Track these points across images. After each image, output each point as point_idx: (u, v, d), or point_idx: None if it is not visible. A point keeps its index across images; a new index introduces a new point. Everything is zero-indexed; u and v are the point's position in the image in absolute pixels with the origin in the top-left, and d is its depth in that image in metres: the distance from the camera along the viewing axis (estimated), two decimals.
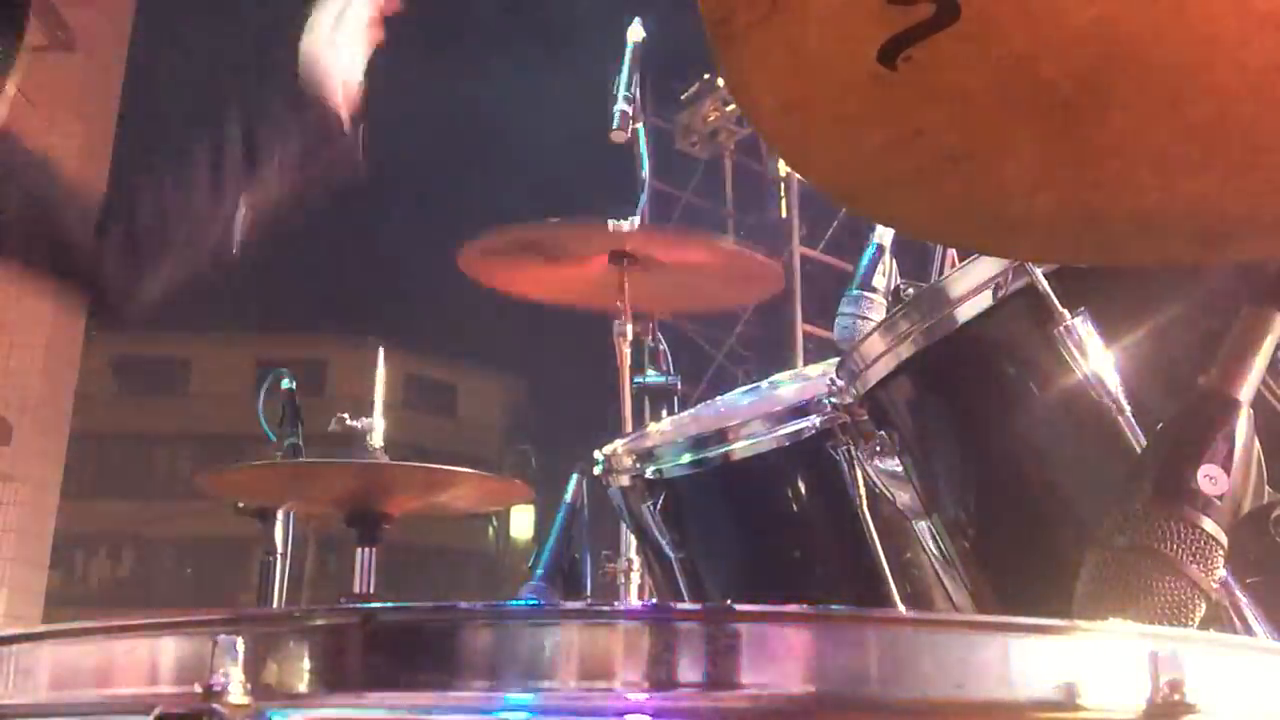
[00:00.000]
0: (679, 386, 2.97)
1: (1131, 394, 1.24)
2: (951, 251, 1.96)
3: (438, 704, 0.64)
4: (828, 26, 0.87)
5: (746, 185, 10.94)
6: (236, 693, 0.62)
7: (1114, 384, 1.24)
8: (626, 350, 2.89)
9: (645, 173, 3.15)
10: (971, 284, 1.36)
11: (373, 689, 0.65)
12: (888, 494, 1.66)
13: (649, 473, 2.04)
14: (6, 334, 6.76)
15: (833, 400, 1.77)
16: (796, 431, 1.89)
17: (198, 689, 0.62)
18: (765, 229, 10.46)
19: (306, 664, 0.64)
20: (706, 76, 9.78)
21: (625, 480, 2.12)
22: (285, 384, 2.98)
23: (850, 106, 0.93)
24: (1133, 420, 1.22)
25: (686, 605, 1.82)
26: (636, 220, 2.87)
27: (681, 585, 2.06)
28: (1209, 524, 0.96)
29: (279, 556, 2.89)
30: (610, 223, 2.84)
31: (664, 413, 2.88)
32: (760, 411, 2.02)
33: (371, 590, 2.86)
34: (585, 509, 2.89)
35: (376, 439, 2.94)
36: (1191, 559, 0.95)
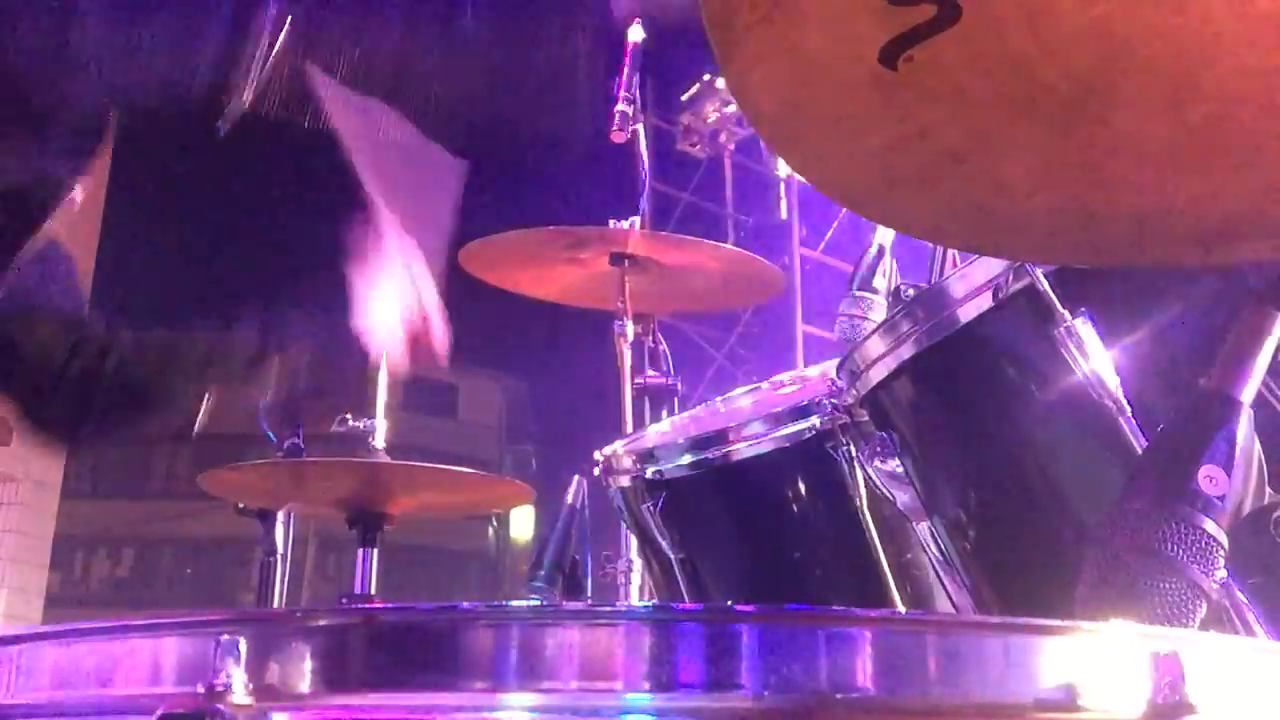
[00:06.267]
0: (679, 387, 2.97)
1: (1132, 394, 1.24)
2: (952, 252, 1.96)
3: (439, 704, 0.64)
4: (829, 27, 0.87)
5: (747, 186, 10.93)
6: (239, 693, 0.62)
7: (1114, 385, 1.24)
8: (627, 351, 2.89)
9: (645, 173, 3.15)
10: (972, 285, 1.36)
11: (375, 689, 0.65)
12: (888, 495, 1.66)
13: (649, 473, 2.04)
14: None
15: (833, 401, 1.78)
16: (797, 432, 1.89)
17: (200, 689, 0.63)
18: (765, 230, 10.45)
19: (309, 664, 0.64)
20: (707, 77, 9.77)
21: (625, 481, 2.12)
22: None
23: (851, 107, 0.94)
24: (1133, 421, 1.22)
25: (687, 606, 1.82)
26: (637, 221, 2.88)
27: (682, 586, 2.06)
28: (1209, 524, 0.96)
29: (279, 557, 2.89)
30: (611, 222, 2.84)
31: (664, 413, 2.88)
32: (760, 412, 2.02)
33: (372, 591, 2.86)
34: (586, 510, 2.89)
35: (379, 440, 2.94)
36: (1192, 559, 0.95)
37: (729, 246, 3.04)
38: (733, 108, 9.62)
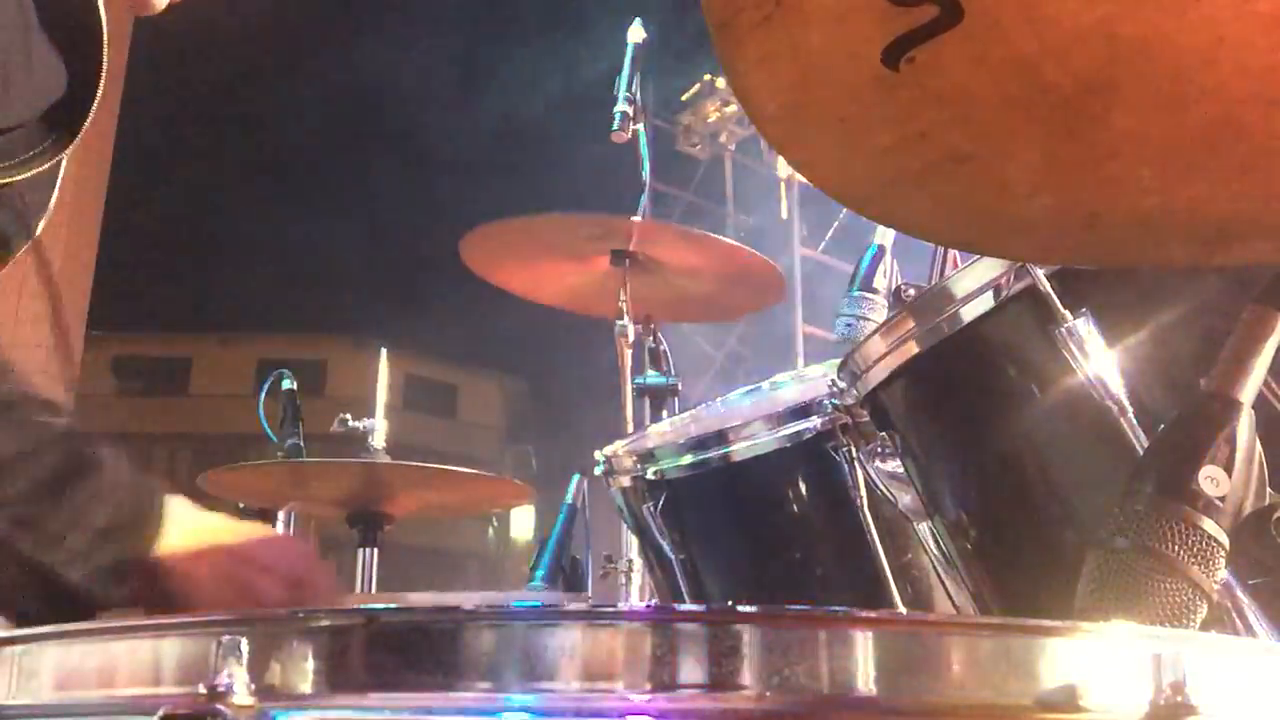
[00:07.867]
0: (679, 387, 2.97)
1: (1133, 395, 1.24)
2: (953, 252, 1.96)
3: (441, 705, 0.64)
4: (831, 28, 0.87)
5: (747, 186, 10.95)
6: (241, 693, 0.62)
7: (1116, 385, 1.24)
8: (628, 351, 2.89)
9: (646, 173, 3.16)
10: (973, 285, 1.36)
11: (376, 690, 0.65)
12: (889, 495, 1.66)
13: (650, 473, 2.04)
14: (6, 333, 6.74)
15: (834, 401, 1.78)
16: (797, 433, 1.89)
17: (202, 690, 0.63)
18: (766, 230, 10.46)
19: (310, 664, 0.64)
20: (707, 77, 9.78)
21: (626, 481, 2.12)
22: (286, 384, 2.99)
23: (853, 108, 0.94)
24: (1134, 421, 1.22)
25: (689, 606, 1.82)
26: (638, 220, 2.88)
27: (683, 586, 2.06)
28: (1210, 525, 0.96)
29: None
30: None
31: (664, 413, 2.88)
32: (761, 412, 2.02)
33: (373, 590, 2.87)
34: (586, 510, 2.90)
35: (378, 440, 2.95)
36: (1193, 560, 0.95)
37: (729, 240, 3.04)
38: (733, 108, 9.64)
